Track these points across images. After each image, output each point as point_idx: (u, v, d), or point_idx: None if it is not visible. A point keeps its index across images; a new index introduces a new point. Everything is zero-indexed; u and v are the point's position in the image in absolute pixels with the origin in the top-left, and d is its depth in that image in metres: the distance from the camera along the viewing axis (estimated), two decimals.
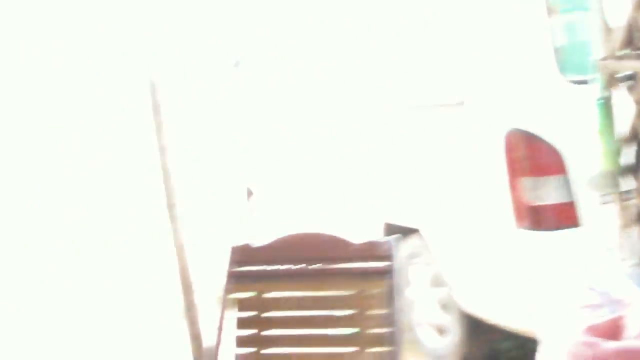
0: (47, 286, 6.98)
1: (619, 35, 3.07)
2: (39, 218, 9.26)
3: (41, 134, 8.92)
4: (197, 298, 3.95)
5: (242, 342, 2.67)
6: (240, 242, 2.84)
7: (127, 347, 5.37)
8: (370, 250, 2.68)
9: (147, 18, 4.07)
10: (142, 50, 4.05)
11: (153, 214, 9.71)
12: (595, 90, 3.18)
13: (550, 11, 3.83)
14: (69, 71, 8.92)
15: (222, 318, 2.67)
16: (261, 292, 2.76)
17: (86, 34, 8.52)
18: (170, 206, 4.16)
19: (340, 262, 2.77)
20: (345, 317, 2.67)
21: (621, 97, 3.16)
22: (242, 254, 2.79)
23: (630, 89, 3.11)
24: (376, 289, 2.61)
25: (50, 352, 5.33)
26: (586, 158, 3.40)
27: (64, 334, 5.65)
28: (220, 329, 2.65)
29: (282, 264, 2.80)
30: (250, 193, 7.14)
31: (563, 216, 3.67)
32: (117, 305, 6.32)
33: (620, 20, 3.10)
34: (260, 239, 6.25)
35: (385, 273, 2.60)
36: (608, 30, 3.11)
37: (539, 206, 3.67)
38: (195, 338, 3.80)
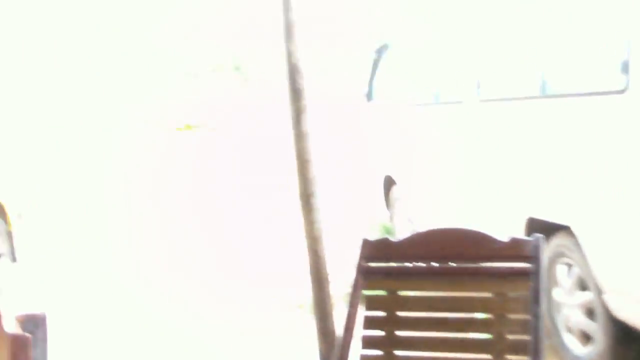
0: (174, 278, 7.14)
1: None
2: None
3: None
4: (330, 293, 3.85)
5: (369, 343, 2.52)
6: (373, 236, 2.70)
7: (250, 342, 5.37)
8: (513, 249, 2.47)
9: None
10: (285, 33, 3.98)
11: (278, 204, 9.84)
12: None
13: None
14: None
15: (350, 316, 2.52)
16: (393, 290, 2.60)
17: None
18: (307, 196, 4.07)
19: (480, 261, 2.57)
20: (482, 320, 2.49)
21: None
22: (375, 249, 2.63)
23: None
24: (518, 291, 2.42)
25: (179, 346, 5.42)
26: None
27: (189, 326, 5.74)
28: (348, 328, 2.50)
29: (417, 261, 2.62)
30: (391, 182, 6.98)
31: None
32: (236, 297, 6.38)
33: None
34: (398, 233, 6.11)
35: (529, 275, 2.39)
36: None
37: None
38: (325, 335, 3.69)
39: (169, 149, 19.03)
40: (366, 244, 2.65)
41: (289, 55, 3.99)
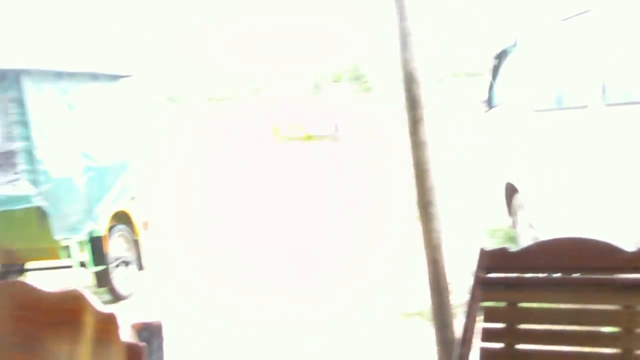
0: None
1: None
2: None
3: None
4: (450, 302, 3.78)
5: (488, 356, 2.44)
6: (491, 246, 2.61)
7: (367, 349, 5.34)
8: None
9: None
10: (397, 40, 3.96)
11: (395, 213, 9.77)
12: None
13: None
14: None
15: (467, 328, 2.45)
16: (513, 301, 2.51)
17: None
18: (426, 205, 4.02)
19: (607, 272, 2.44)
20: (609, 335, 2.36)
21: None
22: (493, 259, 2.55)
23: None
24: None
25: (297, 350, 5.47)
26: None
27: (307, 331, 5.79)
28: (466, 340, 2.43)
29: (538, 272, 2.52)
30: (514, 189, 6.80)
31: None
32: (354, 304, 6.36)
33: None
34: (521, 240, 5.92)
35: None
36: None
37: None
38: (445, 344, 3.62)
39: (292, 158, 19.38)
40: (484, 253, 2.57)
41: (405, 63, 3.95)
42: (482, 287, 2.53)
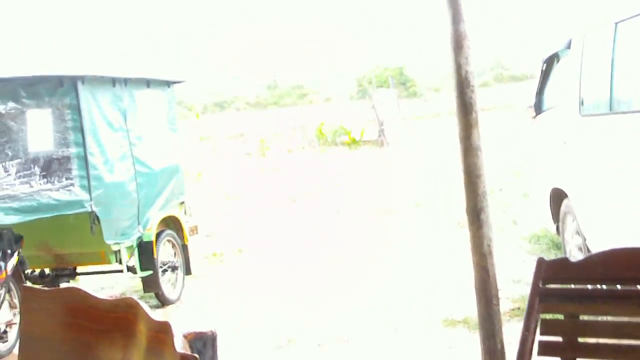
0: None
1: None
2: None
3: None
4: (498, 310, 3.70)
5: None
6: (549, 256, 2.55)
7: (412, 357, 5.30)
8: None
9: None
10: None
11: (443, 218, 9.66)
12: None
13: None
14: None
15: (525, 341, 2.39)
16: (572, 314, 2.44)
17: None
18: (477, 211, 3.95)
19: None
20: None
21: None
22: (552, 270, 2.49)
23: None
24: None
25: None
26: None
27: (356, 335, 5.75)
28: (523, 353, 2.36)
29: (599, 283, 2.45)
30: (561, 195, 6.67)
31: None
32: (399, 310, 6.30)
33: None
34: (568, 247, 5.77)
35: None
36: None
37: None
38: (491, 354, 3.54)
39: (337, 163, 19.36)
40: (542, 264, 2.51)
41: (458, 68, 3.88)
42: (541, 298, 2.47)
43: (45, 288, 2.65)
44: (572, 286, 2.51)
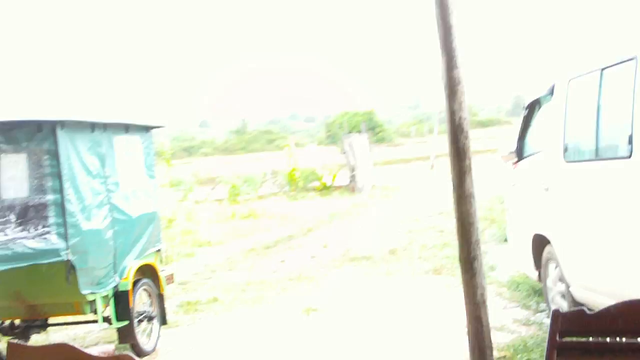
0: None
1: None
2: None
3: None
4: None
5: None
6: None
7: None
8: None
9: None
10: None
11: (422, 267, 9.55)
12: None
13: None
14: None
15: None
16: None
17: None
18: (470, 260, 3.88)
19: None
20: None
21: None
22: (569, 322, 2.40)
23: None
24: None
25: None
26: None
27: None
28: None
29: (618, 336, 2.36)
30: (543, 241, 6.64)
31: None
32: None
33: None
34: (549, 293, 5.67)
35: None
36: None
37: None
38: None
39: (307, 209, 19.27)
40: (558, 316, 2.42)
41: (452, 114, 3.84)
42: (559, 352, 2.37)
43: (34, 345, 2.51)
44: (591, 339, 2.41)
